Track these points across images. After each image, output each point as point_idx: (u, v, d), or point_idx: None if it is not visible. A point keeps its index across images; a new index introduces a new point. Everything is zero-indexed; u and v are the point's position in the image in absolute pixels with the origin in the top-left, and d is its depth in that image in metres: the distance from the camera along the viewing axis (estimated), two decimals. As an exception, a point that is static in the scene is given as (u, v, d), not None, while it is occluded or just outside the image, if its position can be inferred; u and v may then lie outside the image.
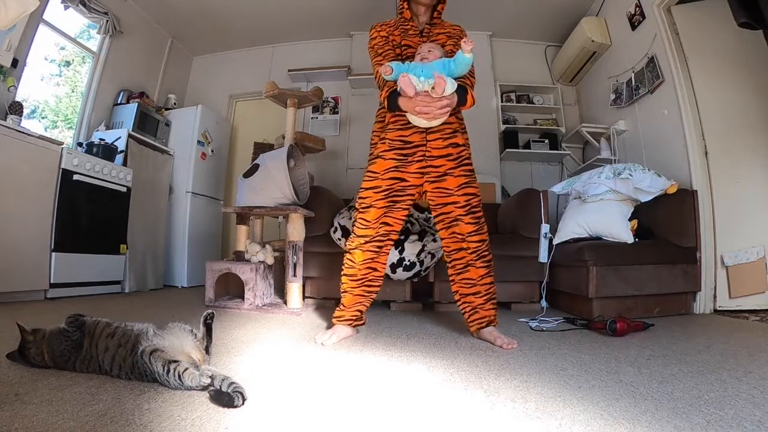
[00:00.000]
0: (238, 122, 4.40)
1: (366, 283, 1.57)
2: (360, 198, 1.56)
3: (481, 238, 1.51)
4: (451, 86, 1.37)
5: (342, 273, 1.59)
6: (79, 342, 0.99)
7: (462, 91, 1.43)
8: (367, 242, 1.53)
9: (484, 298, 1.53)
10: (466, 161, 1.54)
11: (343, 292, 1.58)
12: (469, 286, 1.53)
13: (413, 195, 1.54)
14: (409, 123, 1.49)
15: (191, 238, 3.50)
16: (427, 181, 1.53)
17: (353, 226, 1.58)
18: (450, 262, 1.57)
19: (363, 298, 1.58)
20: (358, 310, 1.59)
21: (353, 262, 1.55)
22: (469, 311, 1.55)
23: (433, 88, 1.34)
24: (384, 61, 1.53)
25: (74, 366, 0.98)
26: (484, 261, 1.52)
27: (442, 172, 1.50)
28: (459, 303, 1.58)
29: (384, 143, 1.54)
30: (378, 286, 1.59)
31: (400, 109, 1.43)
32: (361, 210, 1.54)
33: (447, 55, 1.51)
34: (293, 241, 2.27)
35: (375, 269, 1.57)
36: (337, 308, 1.60)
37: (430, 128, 1.49)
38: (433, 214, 1.57)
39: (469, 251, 1.51)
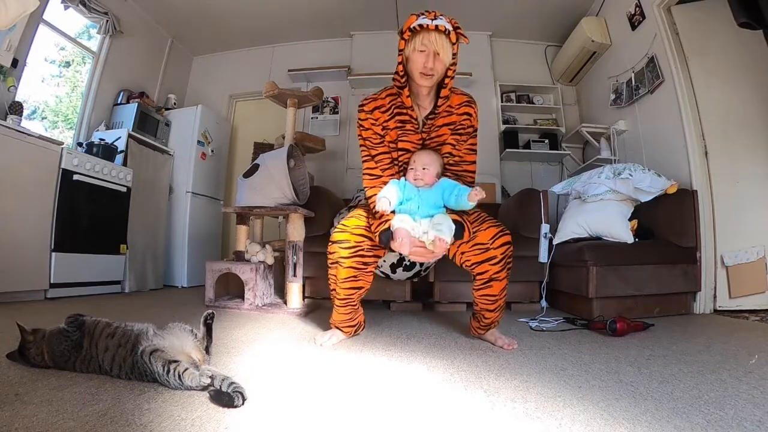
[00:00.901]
0: (238, 122, 4.40)
1: (352, 302, 1.45)
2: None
3: (506, 240, 1.33)
4: (449, 238, 1.26)
5: (330, 287, 1.48)
6: (79, 342, 0.99)
7: (459, 228, 1.28)
8: (347, 256, 1.36)
9: (501, 310, 1.44)
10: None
11: (335, 305, 1.48)
12: (490, 302, 1.39)
13: None
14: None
15: (191, 238, 3.50)
16: None
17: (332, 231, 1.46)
18: (474, 276, 1.40)
19: (354, 314, 1.49)
20: (352, 324, 1.52)
21: (335, 277, 1.42)
22: (483, 324, 1.47)
23: (431, 242, 1.25)
24: (377, 169, 1.40)
25: (74, 366, 0.98)
26: (507, 270, 1.36)
27: None
28: (476, 314, 1.48)
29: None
30: (361, 296, 1.48)
31: (391, 249, 1.32)
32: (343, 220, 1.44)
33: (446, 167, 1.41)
34: (293, 241, 2.27)
35: (360, 288, 1.43)
36: (333, 313, 1.52)
37: None
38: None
39: (494, 261, 1.32)
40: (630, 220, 2.25)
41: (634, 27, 2.84)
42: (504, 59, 3.97)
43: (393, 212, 1.32)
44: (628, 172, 2.23)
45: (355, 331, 1.57)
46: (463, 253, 1.38)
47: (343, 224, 1.44)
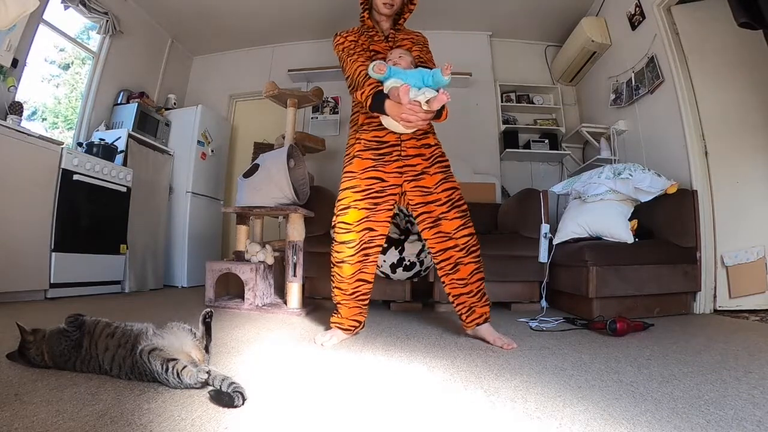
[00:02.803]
0: (238, 122, 4.40)
1: (358, 297, 1.53)
2: (338, 201, 1.51)
3: (469, 231, 1.49)
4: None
5: (332, 285, 1.55)
6: (79, 342, 0.99)
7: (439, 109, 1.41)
8: (353, 254, 1.47)
9: (478, 295, 1.50)
10: (440, 158, 1.53)
11: (337, 303, 1.55)
12: (462, 285, 1.50)
13: (394, 196, 1.51)
14: (382, 124, 1.47)
15: (191, 238, 3.50)
16: (405, 181, 1.50)
17: (333, 233, 1.51)
18: (438, 263, 1.52)
19: (358, 309, 1.55)
20: (356, 320, 1.56)
21: (341, 276, 1.51)
22: (465, 311, 1.53)
23: (428, 101, 1.31)
24: (359, 59, 1.49)
25: (74, 366, 0.98)
26: (473, 257, 1.49)
27: (419, 171, 1.49)
28: (453, 304, 1.55)
29: (359, 143, 1.52)
30: (369, 292, 1.55)
31: (383, 111, 1.38)
32: (338, 212, 1.50)
33: (417, 62, 1.51)
34: (293, 241, 2.27)
35: (365, 281, 1.52)
36: (335, 313, 1.56)
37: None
38: (414, 214, 1.53)
39: (457, 248, 1.47)
40: (630, 220, 2.25)
41: (634, 27, 2.84)
42: (504, 59, 3.97)
43: (380, 83, 1.39)
44: (628, 172, 2.23)
45: (355, 330, 1.57)
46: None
47: (344, 222, 1.47)
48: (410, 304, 2.35)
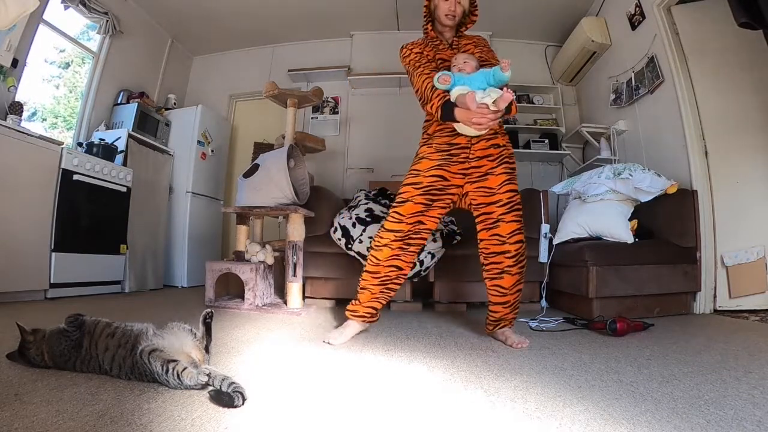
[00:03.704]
0: (238, 122, 4.40)
1: (388, 283, 1.53)
2: (398, 193, 1.55)
3: (521, 238, 1.49)
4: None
5: (364, 269, 1.56)
6: (79, 342, 0.99)
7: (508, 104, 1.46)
8: (396, 239, 1.50)
9: (511, 306, 1.52)
10: (508, 159, 1.55)
11: (361, 289, 1.56)
12: (501, 294, 1.51)
13: (453, 196, 1.53)
14: (455, 131, 1.50)
15: (191, 238, 3.50)
16: (468, 182, 1.52)
17: (385, 220, 1.54)
18: (486, 265, 1.52)
19: (382, 296, 1.55)
20: (374, 308, 1.56)
21: (378, 259, 1.52)
22: (493, 320, 1.55)
23: (494, 102, 1.35)
24: (425, 71, 1.52)
25: (74, 366, 0.98)
26: (520, 267, 1.49)
27: (484, 172, 1.50)
28: (488, 307, 1.56)
29: (430, 147, 1.55)
30: (399, 283, 1.56)
31: (453, 119, 1.42)
32: (396, 204, 1.53)
33: (481, 63, 1.54)
34: (293, 241, 2.27)
35: (400, 268, 1.53)
36: (353, 302, 1.58)
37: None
38: (475, 214, 1.54)
39: (509, 255, 1.47)
40: (630, 220, 2.25)
41: (634, 27, 2.84)
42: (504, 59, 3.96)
43: (447, 92, 1.43)
44: (628, 172, 2.23)
45: (370, 320, 1.57)
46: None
47: (399, 213, 1.51)
48: (410, 304, 2.35)
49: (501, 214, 1.48)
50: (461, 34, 1.67)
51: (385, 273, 1.52)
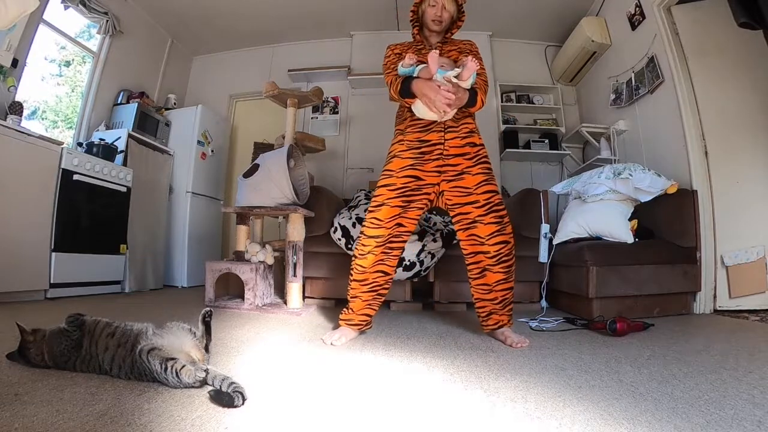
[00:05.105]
0: (238, 122, 4.40)
1: (378, 288, 1.54)
2: (373, 197, 1.54)
3: (502, 239, 1.48)
4: (471, 79, 1.43)
5: (351, 278, 1.55)
6: (79, 342, 0.99)
7: (472, 93, 1.46)
8: (378, 245, 1.49)
9: (500, 303, 1.52)
10: (484, 159, 1.53)
11: (352, 297, 1.54)
12: (486, 291, 1.52)
13: (429, 195, 1.52)
14: (428, 125, 1.49)
15: (191, 238, 3.50)
16: (444, 180, 1.50)
17: (363, 226, 1.53)
18: (468, 265, 1.54)
19: (374, 302, 1.55)
20: (367, 315, 1.55)
21: (363, 267, 1.51)
22: (484, 315, 1.55)
23: (456, 77, 1.37)
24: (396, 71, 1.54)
25: (74, 366, 0.98)
26: (503, 266, 1.49)
27: (459, 171, 1.49)
28: (475, 305, 1.57)
29: (402, 144, 1.54)
30: (387, 288, 1.56)
31: (412, 95, 1.43)
32: (372, 209, 1.51)
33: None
34: (293, 241, 2.27)
35: (386, 273, 1.53)
36: (345, 310, 1.57)
37: (447, 127, 1.49)
38: (451, 214, 1.53)
39: (488, 255, 1.48)
40: (630, 220, 2.25)
41: (634, 27, 2.84)
42: (504, 59, 3.97)
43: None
44: (628, 172, 2.23)
45: (363, 327, 1.57)
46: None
47: (376, 219, 1.49)
48: (410, 304, 2.35)
49: (479, 216, 1.47)
50: (447, 39, 1.68)
51: (373, 279, 1.52)
